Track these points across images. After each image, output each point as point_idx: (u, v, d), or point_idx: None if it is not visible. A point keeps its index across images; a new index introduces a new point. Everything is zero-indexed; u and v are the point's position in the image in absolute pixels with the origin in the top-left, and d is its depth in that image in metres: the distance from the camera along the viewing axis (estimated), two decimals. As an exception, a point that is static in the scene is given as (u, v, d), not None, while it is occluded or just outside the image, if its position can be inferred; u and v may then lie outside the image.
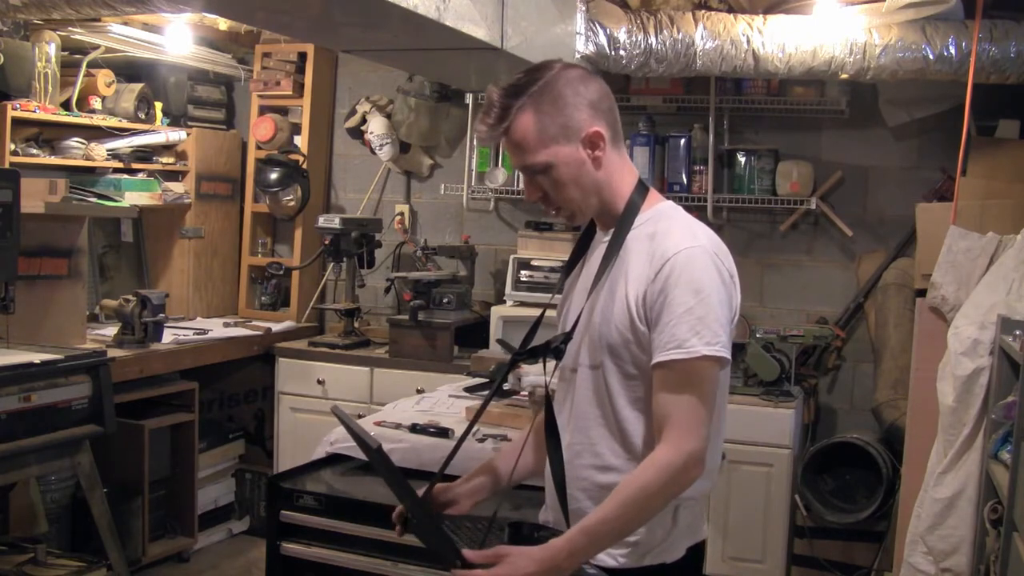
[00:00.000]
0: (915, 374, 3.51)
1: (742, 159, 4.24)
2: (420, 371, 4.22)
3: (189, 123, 4.93)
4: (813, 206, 4.15)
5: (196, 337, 4.30)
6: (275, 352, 4.55)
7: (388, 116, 4.81)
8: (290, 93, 4.91)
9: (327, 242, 4.48)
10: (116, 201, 4.17)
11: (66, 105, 4.21)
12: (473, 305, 4.61)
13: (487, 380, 3.33)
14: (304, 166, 4.84)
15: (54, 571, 3.42)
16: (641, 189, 1.86)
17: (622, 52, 3.66)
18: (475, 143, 4.66)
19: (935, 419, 3.22)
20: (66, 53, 4.23)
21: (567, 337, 1.84)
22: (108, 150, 4.33)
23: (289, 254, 5.08)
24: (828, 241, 4.30)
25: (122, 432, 3.64)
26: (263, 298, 5.04)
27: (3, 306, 3.30)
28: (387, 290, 4.70)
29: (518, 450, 1.96)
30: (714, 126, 4.21)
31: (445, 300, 4.40)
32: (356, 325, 4.67)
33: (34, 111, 3.97)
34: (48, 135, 4.17)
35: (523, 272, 4.32)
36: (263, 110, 4.98)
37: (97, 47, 4.32)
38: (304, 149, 4.90)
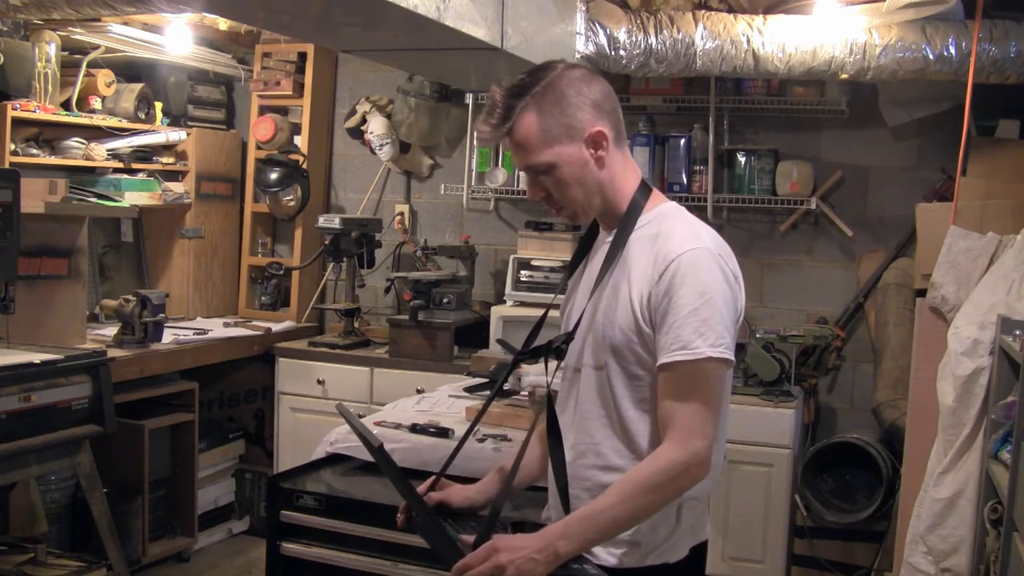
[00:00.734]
0: (915, 374, 3.51)
1: (742, 159, 4.24)
2: (420, 371, 4.22)
3: (189, 123, 4.92)
4: (813, 206, 4.15)
5: (196, 337, 4.30)
6: (275, 352, 4.55)
7: (388, 116, 4.82)
8: (290, 93, 4.91)
9: (327, 242, 4.48)
10: (116, 201, 4.17)
11: (66, 105, 4.21)
12: (473, 305, 4.61)
13: (487, 380, 3.32)
14: (304, 166, 4.84)
15: (54, 571, 3.43)
16: (644, 189, 1.86)
17: (622, 52, 3.66)
18: (475, 143, 4.66)
19: (935, 419, 3.22)
20: (66, 53, 4.22)
21: (569, 337, 1.84)
22: (108, 150, 4.33)
23: (289, 254, 5.08)
24: (828, 241, 4.30)
25: (122, 432, 3.64)
26: (263, 298, 5.04)
27: (3, 306, 3.30)
28: (387, 290, 4.70)
29: (522, 452, 1.95)
30: (714, 126, 4.22)
31: (445, 300, 4.40)
32: (356, 325, 4.67)
33: (34, 111, 3.96)
34: (48, 135, 4.17)
35: (523, 272, 4.32)
36: (263, 110, 4.98)
37: (97, 47, 4.32)
38: (304, 149, 4.89)
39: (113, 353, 3.68)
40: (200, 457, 4.35)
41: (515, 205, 4.77)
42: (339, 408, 1.94)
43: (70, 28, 4.13)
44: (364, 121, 4.89)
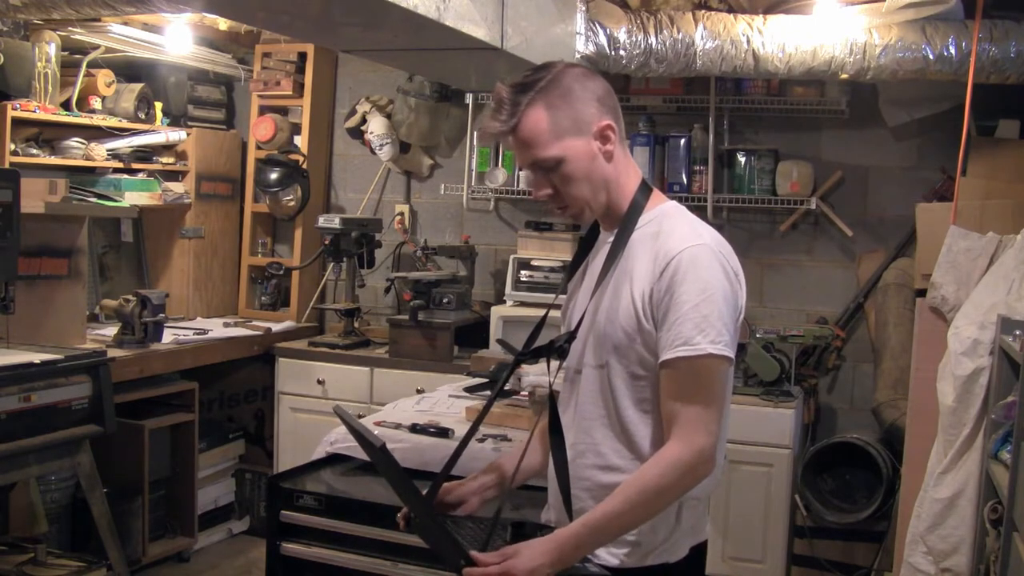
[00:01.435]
0: (915, 374, 3.50)
1: (742, 159, 4.24)
2: (420, 371, 4.22)
3: (189, 123, 4.92)
4: (813, 206, 4.15)
5: (196, 337, 4.30)
6: (275, 352, 4.55)
7: (388, 116, 4.81)
8: (290, 93, 4.91)
9: (327, 242, 4.48)
10: (116, 201, 4.17)
11: (66, 105, 4.21)
12: (473, 305, 4.61)
13: (487, 380, 3.33)
14: (304, 166, 4.84)
15: (54, 571, 3.42)
16: (645, 189, 1.86)
17: (622, 52, 3.66)
18: (475, 143, 4.66)
19: (935, 419, 3.22)
20: (66, 53, 4.22)
21: (571, 337, 1.84)
22: (108, 150, 4.33)
23: (289, 254, 5.08)
24: (828, 241, 4.30)
25: (122, 432, 3.64)
26: (263, 298, 5.04)
27: (3, 306, 3.30)
28: (387, 290, 4.70)
29: (522, 449, 1.96)
30: (714, 126, 4.22)
31: (445, 300, 4.40)
32: (356, 325, 4.67)
33: (34, 111, 3.96)
34: (48, 135, 4.17)
35: (523, 272, 4.32)
36: (263, 110, 4.98)
37: (97, 47, 4.32)
38: (304, 149, 4.89)
39: (113, 353, 3.68)
40: (200, 457, 4.35)
41: (515, 205, 4.77)
42: (336, 410, 1.93)
43: (70, 28, 4.13)
44: (364, 121, 4.89)
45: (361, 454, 2.68)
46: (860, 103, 4.15)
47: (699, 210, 4.05)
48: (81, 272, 3.89)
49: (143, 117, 4.53)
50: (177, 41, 4.54)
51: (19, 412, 3.11)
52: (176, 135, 4.70)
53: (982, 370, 3.04)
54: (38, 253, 3.68)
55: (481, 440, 2.75)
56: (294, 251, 4.99)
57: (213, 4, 3.29)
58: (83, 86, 4.28)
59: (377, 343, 4.58)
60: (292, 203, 4.86)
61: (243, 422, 4.85)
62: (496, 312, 4.27)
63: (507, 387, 2.92)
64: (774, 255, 4.37)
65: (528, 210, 4.67)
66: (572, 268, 1.99)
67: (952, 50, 3.45)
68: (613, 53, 3.66)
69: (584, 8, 3.59)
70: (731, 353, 1.72)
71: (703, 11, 3.70)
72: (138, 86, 4.51)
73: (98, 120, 4.31)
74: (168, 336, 4.13)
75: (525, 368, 2.79)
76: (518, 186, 4.54)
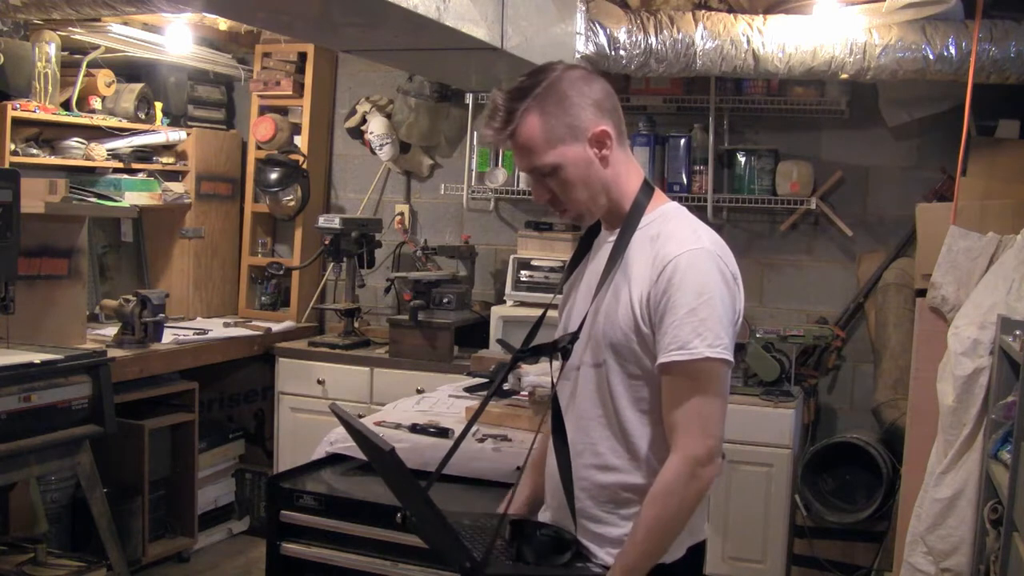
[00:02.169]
0: (915, 374, 3.50)
1: (742, 159, 4.24)
2: (420, 371, 4.22)
3: (189, 123, 4.92)
4: (813, 206, 4.15)
5: (196, 337, 4.30)
6: (275, 352, 4.55)
7: (388, 116, 4.81)
8: (290, 93, 4.91)
9: (327, 242, 4.48)
10: (116, 201, 4.17)
11: (66, 105, 4.21)
12: (473, 305, 4.61)
13: (487, 380, 3.32)
14: (304, 166, 4.84)
15: (54, 571, 3.42)
16: (647, 189, 1.86)
17: (622, 52, 3.66)
18: (475, 143, 4.65)
19: (935, 419, 3.22)
20: (66, 53, 4.22)
21: (574, 337, 1.84)
22: (108, 150, 4.33)
23: (289, 254, 5.08)
24: (828, 241, 4.30)
25: (122, 432, 3.65)
26: (263, 298, 5.04)
27: (3, 306, 3.30)
28: (387, 290, 4.70)
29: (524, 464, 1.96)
30: (714, 126, 4.22)
31: (445, 300, 4.40)
32: (356, 325, 4.67)
33: (34, 111, 3.96)
34: (48, 135, 4.17)
35: (523, 272, 4.32)
36: (263, 110, 4.98)
37: (97, 47, 4.32)
38: (304, 149, 4.89)
39: (113, 353, 3.68)
40: (200, 457, 4.35)
41: (515, 205, 4.77)
42: (333, 408, 1.92)
43: (70, 28, 4.12)
44: (364, 121, 4.89)
45: (362, 454, 2.68)
46: (860, 103, 4.15)
47: (699, 210, 4.06)
48: (81, 272, 3.89)
49: (143, 117, 4.53)
50: (177, 41, 4.54)
51: (19, 412, 3.11)
52: (176, 135, 4.70)
53: (982, 370, 3.04)
54: (38, 253, 3.68)
55: (481, 440, 2.75)
56: (294, 251, 4.99)
57: (213, 4, 3.29)
58: (83, 86, 4.28)
59: (377, 343, 4.58)
60: (292, 203, 4.86)
61: (243, 422, 4.85)
62: (496, 312, 4.27)
63: (507, 387, 2.93)
64: (774, 255, 4.37)
65: (528, 210, 4.67)
66: (571, 266, 2.00)
67: (952, 50, 3.45)
68: (613, 53, 3.65)
69: (584, 8, 3.59)
70: (729, 356, 1.72)
71: (703, 11, 3.69)
72: (138, 86, 4.51)
73: (98, 120, 4.31)
74: (168, 336, 4.13)
75: (525, 368, 2.79)
76: (518, 186, 4.55)
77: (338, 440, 2.78)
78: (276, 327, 4.70)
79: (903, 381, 3.79)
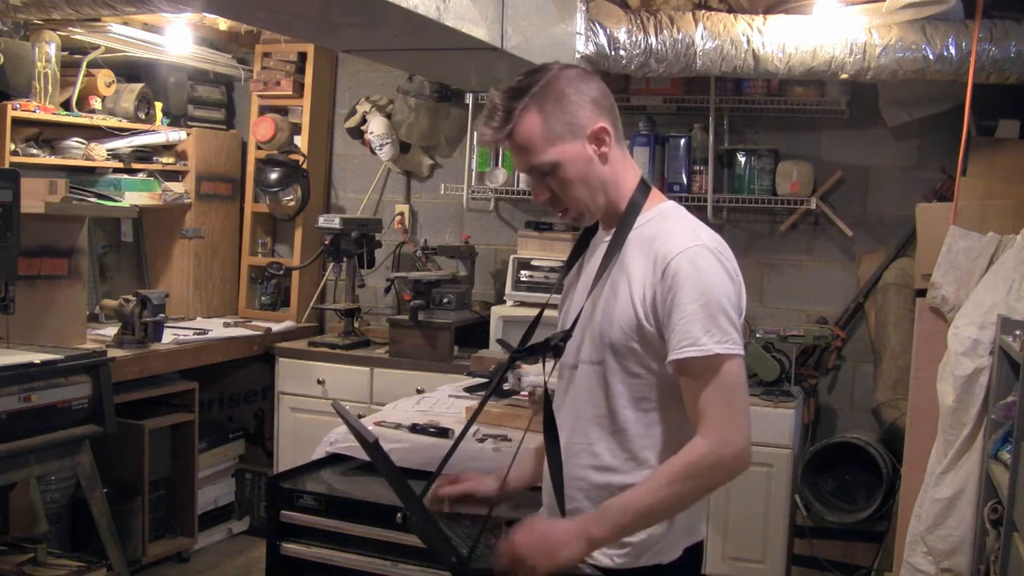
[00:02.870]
0: (915, 374, 3.50)
1: (742, 159, 4.24)
2: (420, 371, 4.22)
3: (189, 123, 4.93)
4: (813, 206, 4.15)
5: (196, 337, 4.30)
6: (275, 352, 4.55)
7: (388, 116, 4.81)
8: (290, 93, 4.91)
9: (327, 242, 4.48)
10: (116, 201, 4.17)
11: (66, 105, 4.21)
12: (473, 305, 4.61)
13: (487, 380, 3.33)
14: (304, 166, 4.84)
15: (54, 571, 3.42)
16: (643, 188, 1.86)
17: (622, 52, 3.66)
18: (475, 143, 4.65)
19: (935, 419, 3.22)
20: (66, 53, 4.23)
21: (567, 335, 1.84)
22: (108, 150, 4.33)
23: (289, 254, 5.08)
24: (828, 241, 4.30)
25: (122, 432, 3.65)
26: (263, 298, 5.04)
27: (3, 306, 3.30)
28: (387, 290, 4.70)
29: (513, 456, 1.96)
30: (714, 126, 4.22)
31: (445, 300, 4.40)
32: (356, 325, 4.67)
33: (34, 111, 3.96)
34: (48, 135, 4.17)
35: (523, 272, 4.32)
36: (263, 110, 4.98)
37: (97, 47, 4.32)
38: (304, 149, 4.90)
39: (113, 353, 3.68)
40: (200, 457, 4.35)
41: (515, 205, 4.77)
42: (335, 405, 1.93)
43: (70, 28, 4.13)
44: (364, 121, 4.89)
45: (362, 454, 2.68)
46: (860, 103, 4.15)
47: (699, 210, 4.06)
48: (81, 272, 3.89)
49: (143, 117, 4.53)
50: (177, 41, 4.54)
51: (19, 412, 3.11)
52: (176, 135, 4.70)
53: (982, 370, 3.04)
54: (38, 253, 3.68)
55: (481, 440, 2.75)
56: (294, 251, 4.99)
57: (213, 4, 3.29)
58: (83, 86, 4.28)
59: (377, 343, 4.58)
60: (292, 203, 4.86)
61: (243, 422, 4.85)
62: (496, 312, 4.27)
63: (507, 387, 2.93)
64: (774, 255, 4.37)
65: (528, 210, 4.67)
66: (568, 265, 2.00)
67: (952, 50, 3.45)
68: (613, 53, 3.65)
69: (584, 8, 3.59)
70: (739, 350, 1.71)
71: (703, 11, 3.69)
72: (138, 86, 4.51)
73: (98, 120, 4.31)
74: (168, 336, 4.13)
75: (525, 368, 2.79)
76: (518, 186, 4.55)
77: (338, 440, 2.78)
78: (276, 327, 4.70)
79: (903, 381, 3.79)
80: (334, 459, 2.78)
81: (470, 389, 3.33)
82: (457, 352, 4.28)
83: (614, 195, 1.84)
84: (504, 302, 4.39)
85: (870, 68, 3.54)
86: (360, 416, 3.47)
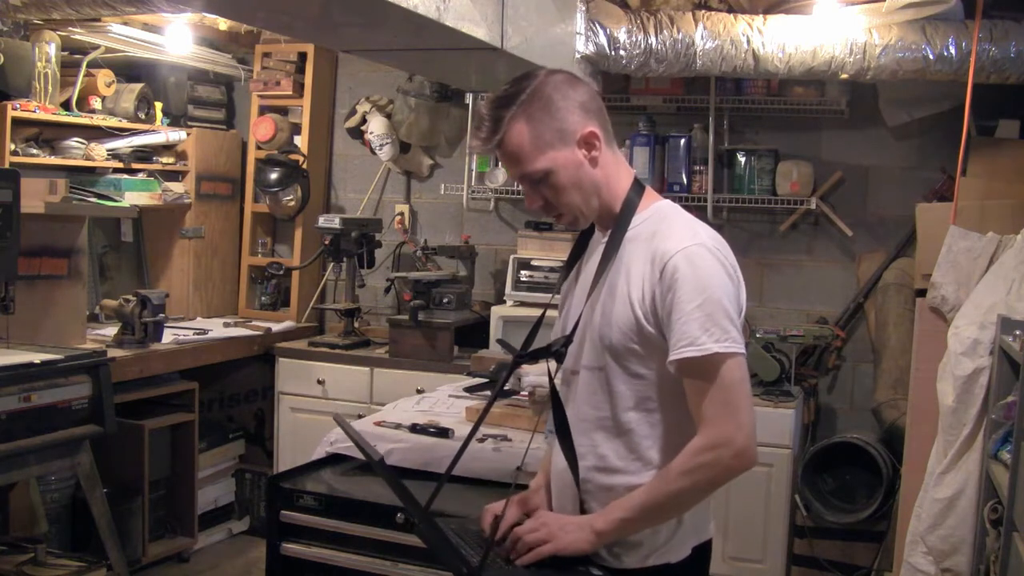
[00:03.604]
0: (915, 374, 3.51)
1: (742, 159, 4.24)
2: (420, 371, 4.22)
3: (189, 123, 4.93)
4: (813, 206, 4.15)
5: (196, 337, 4.30)
6: (275, 352, 4.55)
7: (388, 116, 4.81)
8: (290, 93, 4.91)
9: (327, 242, 4.48)
10: (116, 201, 4.17)
11: (66, 105, 4.21)
12: (473, 305, 4.61)
13: (487, 380, 3.32)
14: (304, 166, 4.84)
15: (54, 571, 3.42)
16: (637, 188, 1.86)
17: (622, 52, 3.66)
18: (475, 143, 4.65)
19: (935, 419, 3.22)
20: (66, 53, 4.23)
21: (567, 340, 1.84)
22: (108, 150, 4.33)
23: (289, 254, 5.08)
24: (828, 241, 4.30)
25: (122, 432, 3.64)
26: (263, 298, 5.04)
27: (3, 306, 3.30)
28: (387, 290, 4.70)
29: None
30: (714, 126, 4.21)
31: (445, 300, 4.40)
32: (356, 325, 4.67)
33: (34, 111, 3.97)
34: (48, 135, 4.17)
35: (523, 272, 4.32)
36: (263, 110, 4.98)
37: (97, 47, 4.32)
38: (304, 149, 4.89)
39: (113, 353, 3.68)
40: (200, 457, 4.35)
41: (515, 205, 4.77)
42: (337, 419, 1.94)
43: (70, 28, 4.13)
44: (364, 121, 4.89)
45: (361, 455, 2.68)
46: (860, 103, 4.15)
47: (699, 210, 4.06)
48: (81, 272, 3.89)
49: (143, 117, 4.53)
50: (177, 41, 4.54)
51: (19, 412, 3.11)
52: (176, 135, 4.70)
53: (982, 370, 3.04)
54: (38, 253, 3.68)
55: (481, 440, 2.74)
56: (294, 251, 4.99)
57: (213, 4, 3.29)
58: (83, 86, 4.28)
59: (377, 343, 4.58)
60: (292, 203, 4.86)
61: (243, 422, 4.85)
62: (496, 312, 4.27)
63: (507, 387, 2.93)
64: (774, 255, 4.37)
65: (528, 210, 4.66)
66: (567, 268, 1.99)
67: (952, 50, 3.45)
68: (613, 53, 3.65)
69: (584, 8, 3.59)
70: (739, 348, 1.71)
71: (703, 11, 3.70)
72: (138, 86, 4.51)
73: (98, 120, 4.31)
74: (168, 336, 4.13)
75: (525, 368, 2.79)
76: (518, 186, 4.52)
77: (338, 440, 2.78)
78: (276, 327, 4.70)
79: (903, 381, 3.79)
80: (334, 459, 2.78)
81: (470, 389, 3.33)
82: (457, 352, 4.28)
83: (608, 197, 1.84)
84: (504, 302, 4.39)
85: (870, 68, 3.54)
86: (360, 416, 3.48)
